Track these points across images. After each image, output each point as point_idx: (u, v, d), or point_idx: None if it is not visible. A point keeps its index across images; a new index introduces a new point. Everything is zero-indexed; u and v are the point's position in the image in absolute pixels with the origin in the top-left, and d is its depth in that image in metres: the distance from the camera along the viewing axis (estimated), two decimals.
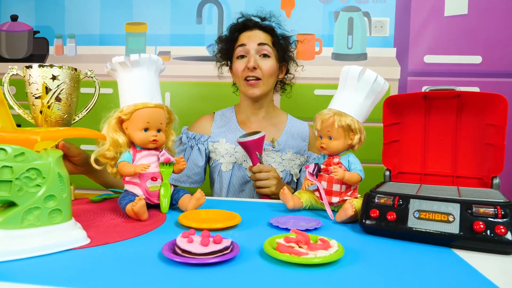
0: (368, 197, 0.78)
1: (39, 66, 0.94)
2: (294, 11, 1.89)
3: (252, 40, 1.28)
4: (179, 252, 0.58)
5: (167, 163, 0.91)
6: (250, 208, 0.98)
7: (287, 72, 1.42)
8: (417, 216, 0.72)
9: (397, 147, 0.99)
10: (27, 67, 0.95)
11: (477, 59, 1.87)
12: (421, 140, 0.98)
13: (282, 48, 1.33)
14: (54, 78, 0.95)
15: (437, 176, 0.96)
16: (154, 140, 0.89)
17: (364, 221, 0.76)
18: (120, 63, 0.89)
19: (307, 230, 0.76)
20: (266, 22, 1.31)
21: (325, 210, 0.91)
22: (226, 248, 0.59)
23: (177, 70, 1.97)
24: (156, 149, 0.92)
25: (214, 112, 1.45)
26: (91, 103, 1.09)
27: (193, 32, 1.97)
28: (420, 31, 1.89)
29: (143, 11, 2.01)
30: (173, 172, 0.92)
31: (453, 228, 0.68)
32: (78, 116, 1.06)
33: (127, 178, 0.89)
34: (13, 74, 1.00)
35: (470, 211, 0.68)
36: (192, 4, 1.97)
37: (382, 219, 0.74)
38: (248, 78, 1.28)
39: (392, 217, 0.73)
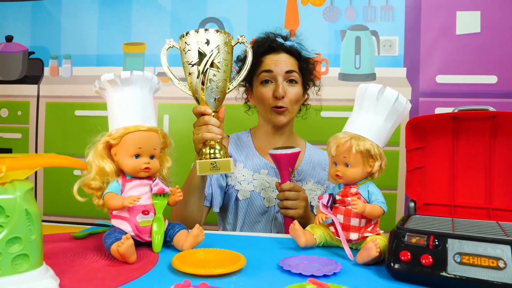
0: (396, 236, 0.66)
1: (195, 31, 0.88)
2: (299, 30, 1.81)
3: (280, 66, 1.19)
4: None
5: (161, 194, 0.79)
6: (256, 245, 0.86)
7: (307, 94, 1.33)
8: (459, 260, 0.59)
9: (422, 174, 0.87)
10: (184, 35, 0.90)
11: (492, 79, 1.78)
12: (448, 166, 0.86)
13: (308, 73, 1.26)
14: (208, 43, 0.87)
15: (468, 208, 0.84)
16: (146, 168, 0.78)
17: (392, 265, 0.64)
18: (110, 81, 0.79)
19: (324, 276, 0.64)
20: (289, 43, 1.21)
21: (341, 248, 0.79)
22: None
23: (177, 91, 1.88)
24: (149, 178, 0.81)
25: (228, 135, 1.34)
26: (243, 71, 0.99)
27: None
28: (431, 50, 1.81)
29: (142, 31, 1.94)
30: (168, 204, 0.81)
31: (505, 276, 0.56)
32: (232, 85, 0.97)
33: (114, 212, 0.77)
34: (170, 47, 0.95)
35: None
36: (192, 23, 1.89)
37: (415, 263, 0.62)
38: (277, 106, 1.19)
39: (427, 261, 0.61)
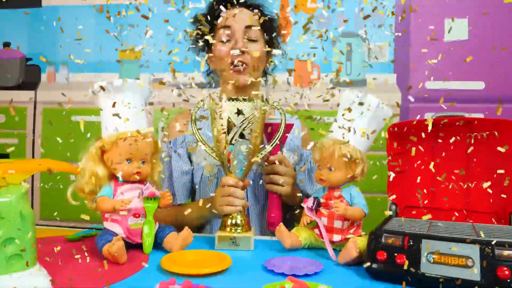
0: (374, 237, 0.69)
1: (228, 99, 0.88)
2: (291, 36, 1.85)
3: (239, 21, 1.11)
4: None
5: (152, 197, 0.82)
6: None
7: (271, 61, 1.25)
8: (431, 259, 0.63)
9: (403, 178, 0.91)
10: (216, 100, 0.89)
11: (480, 85, 1.82)
12: (429, 171, 0.89)
13: (271, 31, 1.17)
14: (239, 113, 0.88)
15: (448, 210, 0.87)
16: (137, 173, 0.81)
17: (370, 264, 0.67)
18: (103, 89, 0.82)
19: (306, 275, 0.67)
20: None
21: (325, 249, 0.82)
22: None
23: (171, 97, 1.92)
24: (140, 182, 0.84)
25: (189, 109, 1.16)
26: (276, 138, 0.97)
27: (189, 58, 1.93)
28: (420, 57, 1.85)
29: (138, 38, 1.98)
30: (159, 207, 0.84)
31: (473, 274, 0.59)
32: (261, 153, 0.95)
33: (106, 215, 0.80)
34: (204, 109, 0.94)
35: (491, 254, 0.60)
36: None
37: (391, 263, 0.65)
38: (236, 64, 1.10)
39: (402, 260, 0.64)
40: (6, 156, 2.02)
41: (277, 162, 1.01)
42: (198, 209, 0.94)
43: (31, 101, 2.01)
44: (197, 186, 1.18)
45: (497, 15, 1.84)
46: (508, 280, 0.57)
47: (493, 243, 0.60)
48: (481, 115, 1.87)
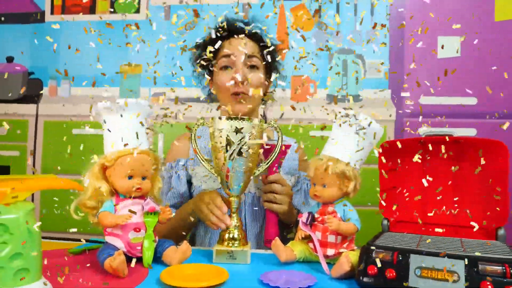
0: (365, 251, 0.73)
1: (227, 118, 0.91)
2: (289, 52, 1.90)
3: (239, 50, 1.14)
4: None
5: (152, 212, 0.85)
6: None
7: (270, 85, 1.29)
8: (419, 274, 0.66)
9: (395, 194, 0.94)
10: (219, 118, 0.92)
11: (472, 100, 1.87)
12: (419, 187, 0.93)
13: (271, 59, 1.20)
14: (237, 131, 0.91)
15: (438, 225, 0.90)
16: (138, 189, 0.84)
17: (361, 278, 0.70)
18: (106, 108, 0.86)
19: None
20: (250, 28, 1.17)
21: (320, 263, 0.85)
22: None
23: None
24: (140, 197, 0.87)
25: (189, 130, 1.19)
26: (272, 157, 1.01)
27: (188, 73, 1.97)
28: (414, 73, 1.90)
29: (138, 53, 2.02)
30: (158, 222, 0.87)
31: None
32: (258, 170, 1.00)
33: (108, 229, 0.83)
34: (199, 124, 0.99)
35: (476, 269, 0.63)
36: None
37: (381, 277, 0.68)
38: (237, 93, 1.15)
39: (391, 274, 0.67)
40: (7, 168, 2.05)
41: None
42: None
43: (33, 114, 2.05)
44: None
45: (489, 33, 1.90)
46: None
47: (477, 258, 0.64)
48: (474, 130, 1.92)
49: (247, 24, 1.19)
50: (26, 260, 0.59)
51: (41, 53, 2.06)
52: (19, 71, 2.08)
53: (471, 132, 1.89)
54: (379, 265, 0.69)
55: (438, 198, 0.92)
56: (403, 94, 1.73)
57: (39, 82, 2.06)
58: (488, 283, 0.61)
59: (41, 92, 2.06)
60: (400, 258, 0.68)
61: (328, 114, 1.01)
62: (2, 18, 2.07)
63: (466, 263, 0.64)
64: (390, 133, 1.87)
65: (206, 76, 1.23)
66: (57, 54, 2.05)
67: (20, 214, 0.60)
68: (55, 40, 2.05)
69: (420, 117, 1.82)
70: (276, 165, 1.06)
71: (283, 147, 1.03)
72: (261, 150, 0.98)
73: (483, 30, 1.89)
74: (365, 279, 0.70)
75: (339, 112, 0.91)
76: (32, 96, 2.07)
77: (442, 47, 1.88)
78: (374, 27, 1.91)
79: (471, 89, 1.88)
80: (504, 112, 1.87)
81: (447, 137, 0.85)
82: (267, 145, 1.02)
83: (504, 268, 0.62)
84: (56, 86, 2.04)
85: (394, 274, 0.67)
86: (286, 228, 1.16)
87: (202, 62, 1.19)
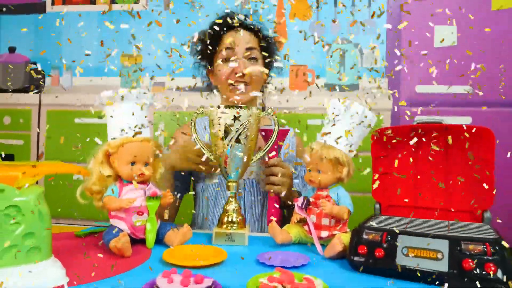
0: (356, 233, 0.77)
1: (225, 107, 0.95)
2: (287, 43, 1.92)
3: (240, 43, 1.21)
4: None
5: (154, 196, 0.89)
6: None
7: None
8: (405, 253, 0.70)
9: (387, 179, 0.98)
10: (217, 107, 0.96)
11: (467, 89, 1.89)
12: (411, 172, 0.97)
13: (269, 52, 1.27)
14: (235, 119, 0.94)
15: (428, 209, 0.94)
16: (141, 174, 0.88)
17: (352, 257, 0.75)
18: (109, 97, 0.89)
19: (294, 267, 0.74)
20: (249, 21, 1.24)
21: (314, 244, 0.89)
22: None
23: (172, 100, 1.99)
24: (143, 182, 0.91)
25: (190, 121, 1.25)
26: (269, 142, 1.05)
27: (188, 63, 2.00)
28: (411, 62, 1.92)
29: (139, 43, 2.05)
30: (160, 205, 0.91)
31: (442, 266, 0.67)
32: (256, 157, 1.04)
33: (112, 213, 0.87)
34: (199, 113, 1.02)
35: (459, 248, 0.67)
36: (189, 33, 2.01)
37: (370, 256, 0.73)
38: (236, 84, 1.20)
39: (380, 254, 0.72)
40: (11, 156, 2.09)
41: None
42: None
43: (36, 103, 2.08)
44: (199, 194, 1.28)
45: (485, 22, 1.92)
46: (473, 271, 0.65)
47: (460, 238, 0.68)
48: (469, 118, 1.95)
49: (246, 16, 1.23)
50: (38, 239, 0.63)
51: (43, 44, 2.09)
52: (21, 61, 2.11)
53: (466, 120, 1.93)
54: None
55: (428, 183, 0.95)
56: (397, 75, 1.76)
57: (41, 72, 2.09)
58: (470, 260, 0.65)
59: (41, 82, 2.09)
60: (389, 238, 0.73)
61: (323, 104, 1.05)
62: (4, 9, 2.09)
63: (450, 242, 0.68)
64: (387, 121, 1.91)
65: (206, 67, 1.29)
66: (58, 44, 2.08)
67: (31, 197, 0.64)
68: (56, 30, 2.07)
69: (420, 108, 1.86)
70: (276, 147, 1.10)
71: (281, 133, 1.08)
72: (261, 135, 1.03)
73: (479, 19, 1.91)
74: (355, 258, 0.74)
75: (335, 101, 0.95)
76: (34, 86, 2.10)
77: (442, 41, 1.90)
78: (372, 17, 1.93)
79: (467, 78, 1.91)
80: (500, 99, 1.90)
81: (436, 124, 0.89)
82: (265, 130, 1.06)
83: (485, 246, 0.66)
84: (58, 76, 2.07)
85: (383, 253, 0.71)
86: (287, 208, 1.21)
87: (202, 54, 1.23)
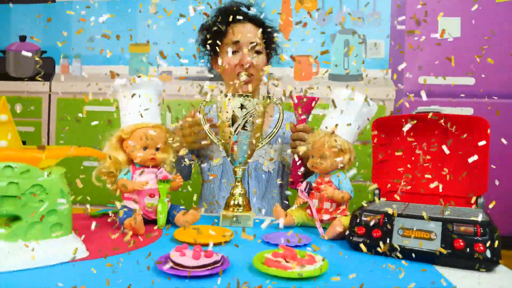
0: (355, 215, 0.82)
1: (233, 95, 0.99)
2: (292, 32, 1.96)
3: (246, 36, 1.28)
4: (172, 265, 0.61)
5: (165, 180, 0.94)
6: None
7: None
8: (401, 233, 0.75)
9: (386, 166, 1.02)
10: (225, 95, 1.00)
11: (470, 81, 1.92)
12: (409, 160, 1.01)
13: (271, 43, 1.36)
14: (242, 107, 0.99)
15: (425, 195, 0.99)
16: (152, 159, 0.93)
17: (351, 238, 0.80)
18: (122, 86, 0.94)
19: (296, 246, 0.79)
20: (253, 12, 1.30)
21: (316, 227, 0.94)
22: (216, 262, 0.62)
23: (178, 89, 2.03)
24: (154, 166, 0.96)
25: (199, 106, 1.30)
26: (276, 129, 1.09)
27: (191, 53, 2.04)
28: (414, 53, 1.95)
29: (147, 32, 2.09)
30: (171, 188, 0.96)
31: (435, 245, 0.71)
32: (262, 143, 1.09)
33: (126, 195, 0.93)
34: (207, 101, 1.06)
35: (451, 229, 0.72)
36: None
37: (368, 236, 0.77)
38: (242, 75, 1.27)
39: (377, 234, 0.76)
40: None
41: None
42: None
43: (46, 91, 2.14)
44: (205, 176, 1.35)
45: (489, 14, 1.93)
46: (463, 250, 0.69)
47: (452, 220, 0.72)
48: (471, 109, 1.98)
49: (248, 7, 1.30)
50: (60, 216, 0.69)
51: (53, 32, 2.13)
52: (32, 49, 2.15)
53: (468, 111, 1.96)
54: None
55: (426, 170, 1.00)
56: (402, 68, 1.79)
57: (51, 60, 2.14)
58: (461, 240, 0.70)
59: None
60: (386, 220, 0.77)
61: (327, 94, 1.10)
62: None
63: (443, 224, 0.73)
64: (389, 111, 1.94)
65: (211, 56, 1.36)
66: (68, 33, 2.12)
67: (53, 177, 0.69)
68: (65, 19, 2.11)
69: (422, 99, 1.88)
70: (304, 112, 1.16)
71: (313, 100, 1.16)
72: (293, 102, 1.13)
73: (483, 11, 1.92)
74: (354, 238, 0.79)
75: (339, 90, 0.99)
76: (44, 74, 2.15)
77: (443, 33, 1.92)
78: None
79: (470, 70, 1.93)
80: (502, 91, 1.92)
81: (430, 114, 0.93)
82: (306, 97, 1.12)
83: (475, 228, 0.71)
84: (68, 64, 2.12)
85: (380, 233, 0.76)
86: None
87: (207, 44, 1.28)
